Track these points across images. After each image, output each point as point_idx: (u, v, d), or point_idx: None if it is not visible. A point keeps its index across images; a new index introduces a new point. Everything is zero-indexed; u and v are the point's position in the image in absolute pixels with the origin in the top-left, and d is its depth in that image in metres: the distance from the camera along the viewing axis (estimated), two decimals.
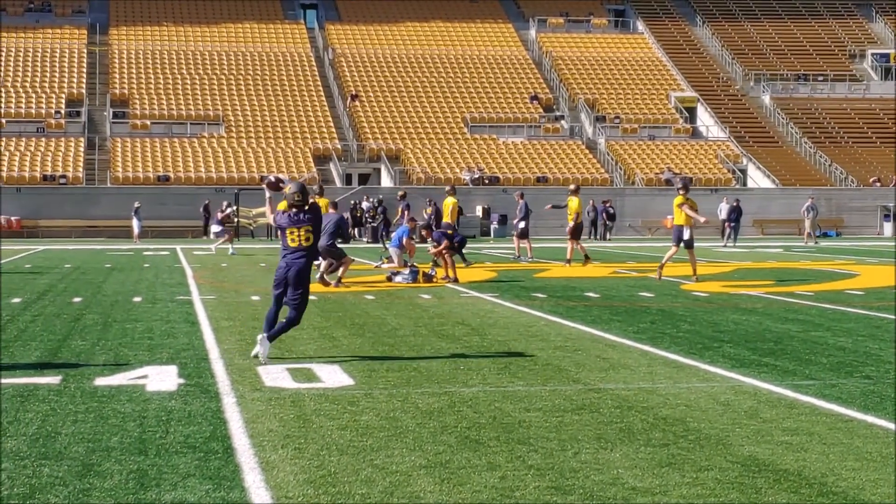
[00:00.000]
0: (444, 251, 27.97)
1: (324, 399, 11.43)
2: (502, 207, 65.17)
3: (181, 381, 12.61)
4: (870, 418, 10.52)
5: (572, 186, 36.28)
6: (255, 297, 23.48)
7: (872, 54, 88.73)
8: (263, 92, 77.64)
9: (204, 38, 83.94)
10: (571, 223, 35.07)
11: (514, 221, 40.01)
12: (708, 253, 43.80)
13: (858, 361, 14.14)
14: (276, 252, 38.42)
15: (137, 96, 75.23)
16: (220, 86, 77.90)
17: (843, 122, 79.59)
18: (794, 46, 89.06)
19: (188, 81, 78.08)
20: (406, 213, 42.89)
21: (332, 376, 12.93)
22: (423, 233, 29.91)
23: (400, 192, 48.70)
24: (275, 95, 77.25)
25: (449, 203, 37.07)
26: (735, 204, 54.38)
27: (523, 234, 38.73)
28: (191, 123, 73.09)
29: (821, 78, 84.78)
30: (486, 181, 68.40)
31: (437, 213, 52.96)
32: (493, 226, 64.69)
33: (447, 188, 38.20)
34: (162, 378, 12.76)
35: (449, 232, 29.31)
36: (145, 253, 42.79)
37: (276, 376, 12.92)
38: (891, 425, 10.20)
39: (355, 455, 9.04)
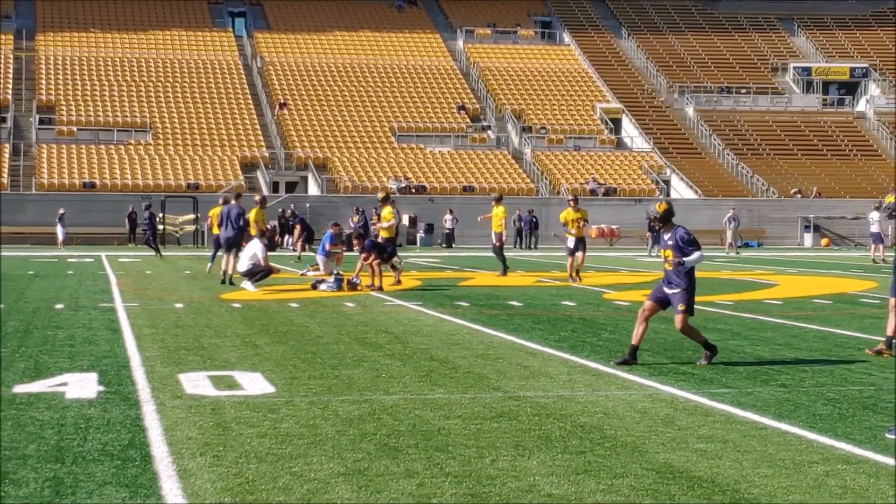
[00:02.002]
0: (372, 261, 27.90)
1: (244, 406, 11.38)
2: (429, 216, 65.24)
3: (101, 388, 12.50)
4: (784, 426, 10.62)
5: (496, 195, 36.19)
6: (178, 305, 23.33)
7: (794, 68, 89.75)
8: (191, 99, 77.22)
9: (132, 45, 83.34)
10: (498, 232, 34.78)
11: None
12: (632, 262, 44.07)
13: (774, 370, 14.27)
14: (202, 260, 38.23)
15: (64, 102, 74.57)
16: (147, 93, 77.39)
17: (766, 135, 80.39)
18: (717, 59, 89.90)
19: (115, 88, 77.51)
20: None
21: (254, 384, 12.87)
22: (354, 241, 29.83)
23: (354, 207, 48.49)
24: (202, 103, 76.86)
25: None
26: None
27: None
28: (117, 130, 72.54)
29: (744, 91, 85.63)
30: (413, 190, 68.42)
31: (366, 222, 52.88)
32: (420, 234, 64.71)
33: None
34: (82, 385, 12.64)
35: (378, 242, 29.39)
36: (69, 260, 42.39)
37: (196, 384, 12.84)
38: (804, 433, 10.30)
39: (274, 463, 9.00)
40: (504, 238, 34.56)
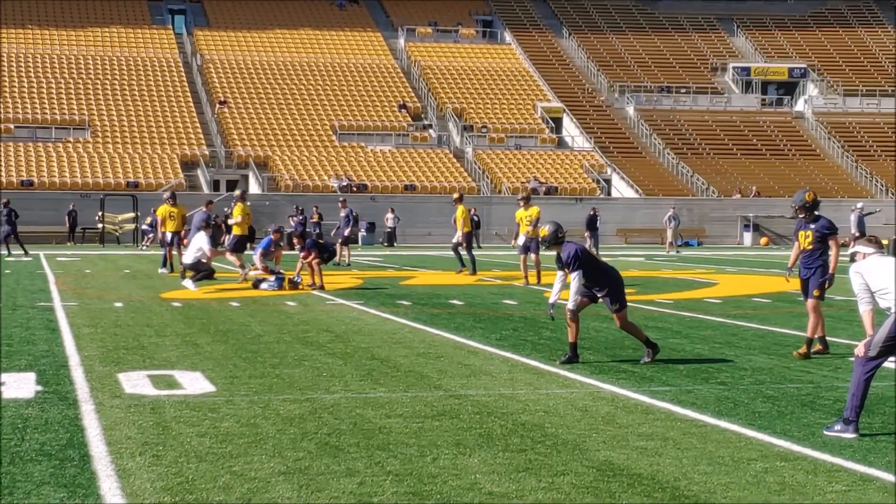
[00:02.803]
0: (312, 260, 27.88)
1: (184, 406, 11.32)
2: (371, 215, 65.12)
3: (39, 388, 12.40)
4: (723, 423, 10.70)
5: (456, 195, 35.94)
6: (118, 304, 23.18)
7: (734, 67, 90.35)
8: (130, 97, 76.71)
9: (70, 42, 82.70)
10: (461, 232, 34.46)
11: (340, 229, 40.92)
12: None
13: (714, 368, 14.37)
14: (141, 258, 38.02)
15: (0, 100, 73.84)
16: (86, 90, 76.81)
17: (705, 134, 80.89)
18: (657, 59, 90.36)
19: (53, 85, 76.87)
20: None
21: (194, 383, 12.82)
22: (295, 240, 29.74)
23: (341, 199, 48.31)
24: (142, 100, 76.37)
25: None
26: (592, 213, 54.33)
27: (346, 241, 39.48)
28: (56, 128, 71.94)
29: (683, 90, 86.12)
30: (355, 189, 68.32)
31: (305, 220, 52.74)
32: (361, 233, 64.61)
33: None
34: (19, 385, 12.54)
35: (319, 241, 29.41)
36: (7, 259, 41.99)
37: (136, 383, 12.77)
38: (743, 430, 10.38)
39: (214, 462, 8.97)
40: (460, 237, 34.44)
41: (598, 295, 14.76)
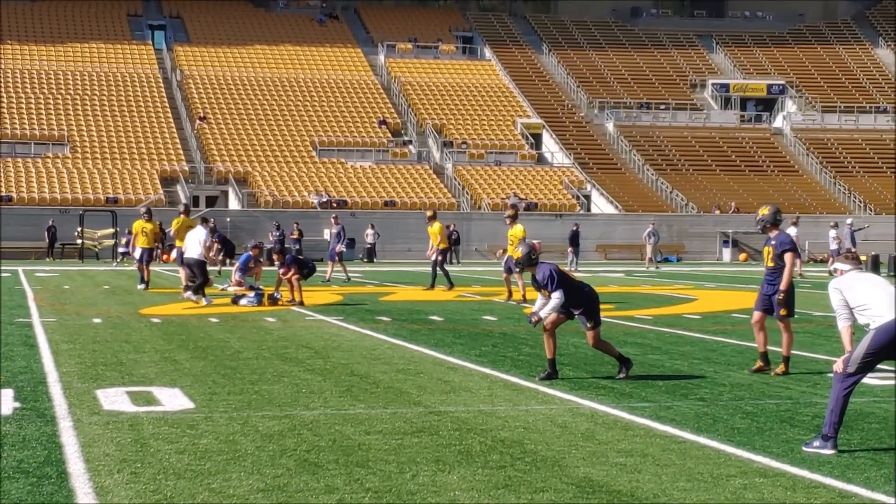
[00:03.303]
0: (292, 276, 27.82)
1: (163, 422, 11.28)
2: (351, 231, 64.97)
3: (17, 404, 12.34)
4: (702, 439, 10.70)
5: (429, 213, 35.83)
6: (96, 320, 23.10)
7: (713, 84, 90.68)
8: (110, 112, 76.59)
9: (49, 57, 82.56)
10: (437, 248, 34.27)
11: (332, 245, 40.93)
12: None
13: (693, 384, 14.38)
14: (120, 275, 37.89)
15: None
16: (65, 105, 76.68)
17: (684, 150, 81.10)
18: (636, 75, 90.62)
19: (32, 100, 76.72)
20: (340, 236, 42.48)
21: (173, 399, 12.77)
22: (274, 256, 29.59)
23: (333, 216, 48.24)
24: (121, 116, 76.25)
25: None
26: (574, 228, 54.51)
27: (339, 257, 39.52)
28: (35, 143, 71.76)
29: (663, 106, 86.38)
30: (335, 205, 68.28)
31: (283, 236, 52.73)
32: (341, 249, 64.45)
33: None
34: None
35: (299, 257, 29.38)
36: None
37: (114, 400, 12.72)
38: (722, 447, 10.38)
39: (192, 479, 8.93)
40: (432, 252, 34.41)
41: (575, 313, 14.75)
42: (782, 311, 15.63)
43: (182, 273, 30.22)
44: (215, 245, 33.07)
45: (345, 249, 41.44)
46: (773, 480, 9.11)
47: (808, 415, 12.17)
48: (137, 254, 33.73)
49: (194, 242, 27.92)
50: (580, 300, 14.69)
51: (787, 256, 15.56)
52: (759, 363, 15.69)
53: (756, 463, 9.74)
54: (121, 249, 54.76)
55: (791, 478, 9.23)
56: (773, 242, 15.73)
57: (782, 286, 15.49)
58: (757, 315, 15.88)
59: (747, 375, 15.23)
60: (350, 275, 40.35)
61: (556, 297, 14.44)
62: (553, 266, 14.68)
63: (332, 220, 42.46)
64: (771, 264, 15.70)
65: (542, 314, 14.63)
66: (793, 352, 15.96)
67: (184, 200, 62.04)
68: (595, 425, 11.40)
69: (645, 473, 9.28)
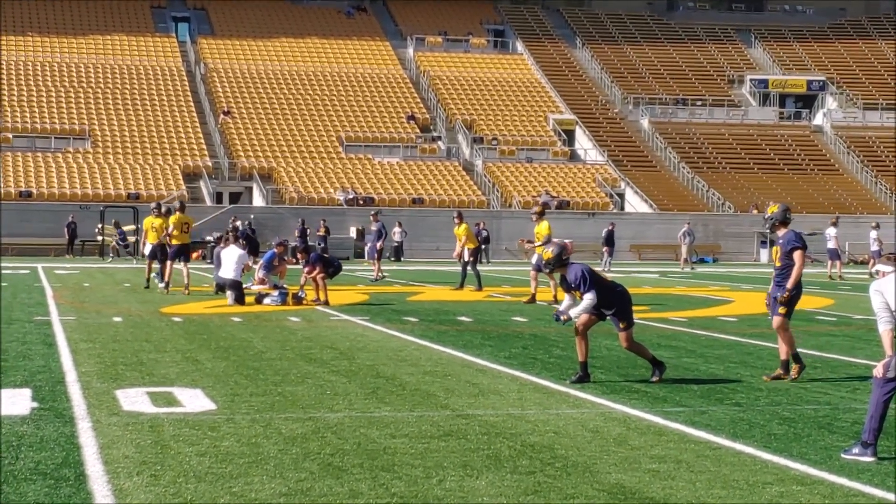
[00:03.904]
0: (317, 275, 27.84)
1: (183, 424, 11.30)
2: None
3: (35, 404, 12.39)
4: (738, 446, 10.66)
5: (456, 215, 35.79)
6: (116, 319, 23.18)
7: (751, 80, 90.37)
8: (132, 106, 76.83)
9: (71, 50, 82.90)
10: (467, 248, 34.31)
11: (372, 243, 40.98)
12: None
13: (729, 389, 14.32)
14: (140, 272, 37.92)
15: None
16: (86, 99, 76.96)
17: (721, 148, 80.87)
18: (673, 71, 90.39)
19: (53, 94, 77.04)
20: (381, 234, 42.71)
21: (194, 400, 12.80)
22: (299, 255, 29.59)
23: (372, 213, 48.31)
24: (143, 110, 76.49)
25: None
26: (610, 228, 54.61)
27: (378, 255, 39.76)
28: (55, 137, 72.05)
29: (699, 103, 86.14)
30: (361, 202, 68.35)
31: (304, 233, 52.93)
32: (367, 248, 64.58)
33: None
34: (14, 401, 12.53)
35: (324, 255, 29.39)
36: (4, 271, 42.02)
37: (134, 400, 12.75)
38: (759, 453, 10.34)
39: (213, 482, 8.94)
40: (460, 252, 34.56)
41: (607, 314, 14.72)
42: (781, 311, 15.30)
43: (148, 264, 31.49)
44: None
45: (377, 248, 41.44)
46: (811, 488, 9.07)
47: (847, 421, 12.11)
48: (148, 249, 33.59)
49: (230, 263, 27.90)
50: (612, 300, 14.66)
51: (796, 255, 15.28)
52: (778, 370, 15.40)
53: (793, 470, 9.70)
54: (118, 243, 55.38)
55: (829, 486, 9.18)
56: (781, 241, 15.47)
57: (789, 285, 15.21)
58: (777, 321, 15.49)
59: (784, 381, 15.13)
60: (383, 274, 40.33)
61: (589, 298, 14.41)
62: (585, 266, 14.65)
63: (372, 218, 42.53)
64: (779, 264, 15.43)
65: (573, 314, 14.61)
66: (832, 356, 15.87)
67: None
68: (627, 430, 11.37)
69: (679, 480, 9.25)
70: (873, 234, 50.09)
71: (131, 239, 60.63)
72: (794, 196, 74.41)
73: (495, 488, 8.88)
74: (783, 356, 15.41)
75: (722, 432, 11.29)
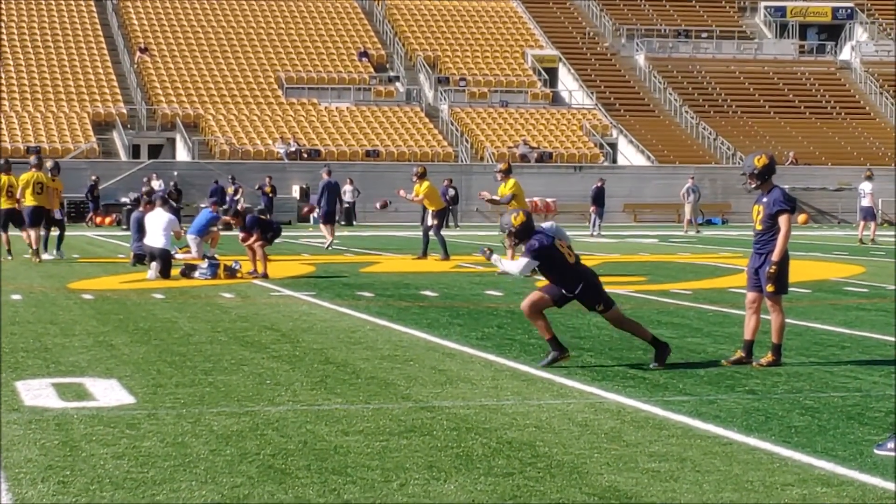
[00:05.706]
0: (253, 243, 27.59)
1: (97, 421, 11.30)
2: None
3: None
4: (752, 440, 10.71)
5: (418, 169, 35.39)
6: (15, 297, 23.11)
7: (765, 7, 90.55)
8: (30, 44, 76.42)
9: None
10: (431, 210, 34.22)
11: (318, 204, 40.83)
12: (572, 243, 44.20)
13: (741, 374, 14.38)
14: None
15: None
16: None
17: (731, 88, 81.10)
18: None
19: None
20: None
21: (109, 393, 12.80)
22: (232, 220, 29.01)
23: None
24: (45, 48, 76.11)
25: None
26: (599, 185, 54.44)
27: (328, 219, 39.44)
28: None
29: (705, 35, 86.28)
30: (305, 155, 68.30)
31: (235, 194, 52.86)
32: (316, 211, 64.57)
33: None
34: None
35: (262, 218, 29.15)
36: None
37: (38, 393, 12.74)
38: (777, 449, 10.40)
39: (133, 490, 8.95)
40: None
41: (568, 296, 14.71)
42: (770, 287, 14.96)
43: (25, 235, 31.52)
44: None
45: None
46: (839, 490, 9.13)
47: (881, 410, 12.19)
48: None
49: (157, 229, 27.65)
50: (574, 278, 14.62)
51: (782, 219, 14.82)
52: (738, 353, 15.25)
53: (817, 469, 9.76)
54: None
55: (860, 486, 9.25)
56: (764, 200, 15.01)
57: (774, 257, 14.82)
58: (751, 296, 15.30)
59: (806, 363, 15.20)
60: (327, 240, 40.24)
61: (523, 261, 14.62)
62: (546, 239, 14.68)
63: (323, 175, 42.32)
64: (760, 227, 15.03)
65: (502, 265, 14.81)
66: (864, 333, 15.94)
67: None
68: (622, 423, 11.43)
69: (682, 482, 9.30)
70: (867, 186, 47.49)
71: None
72: (817, 145, 74.81)
73: (466, 493, 8.92)
74: (748, 336, 15.20)
75: (733, 425, 11.35)
